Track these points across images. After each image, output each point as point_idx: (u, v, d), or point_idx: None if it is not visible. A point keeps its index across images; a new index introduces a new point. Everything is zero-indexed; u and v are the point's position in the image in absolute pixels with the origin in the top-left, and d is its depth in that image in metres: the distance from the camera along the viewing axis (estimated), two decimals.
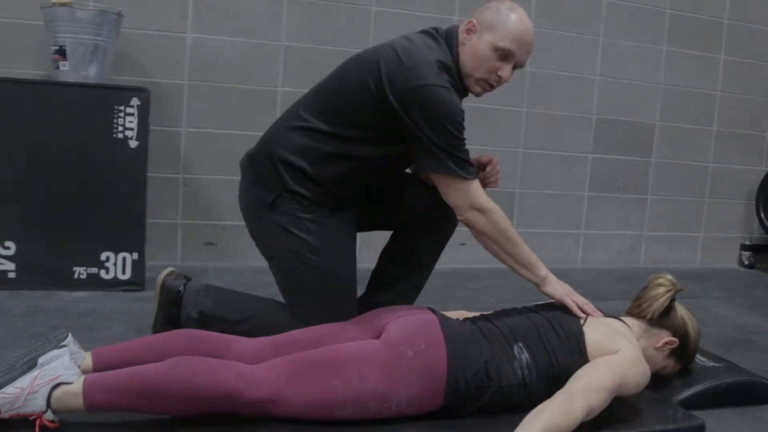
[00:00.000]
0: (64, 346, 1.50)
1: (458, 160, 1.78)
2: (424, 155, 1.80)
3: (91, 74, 2.57)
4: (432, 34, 1.88)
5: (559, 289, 1.80)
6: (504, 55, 1.83)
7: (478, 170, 2.02)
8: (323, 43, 3.11)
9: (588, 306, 1.76)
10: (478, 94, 1.92)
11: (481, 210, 1.80)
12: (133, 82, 2.74)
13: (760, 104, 3.95)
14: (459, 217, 1.86)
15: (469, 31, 1.85)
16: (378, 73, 1.77)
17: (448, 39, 1.87)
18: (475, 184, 1.81)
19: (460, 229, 2.04)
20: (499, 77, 1.85)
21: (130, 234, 2.58)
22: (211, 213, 3.07)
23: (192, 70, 2.98)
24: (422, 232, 2.06)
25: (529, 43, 1.85)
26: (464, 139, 1.80)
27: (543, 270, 1.83)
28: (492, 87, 1.89)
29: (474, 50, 1.84)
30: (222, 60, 3.00)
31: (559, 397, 1.51)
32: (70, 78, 2.55)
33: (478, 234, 1.85)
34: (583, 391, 1.52)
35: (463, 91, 1.91)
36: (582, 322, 1.71)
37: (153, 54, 2.92)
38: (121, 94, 2.53)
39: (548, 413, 1.45)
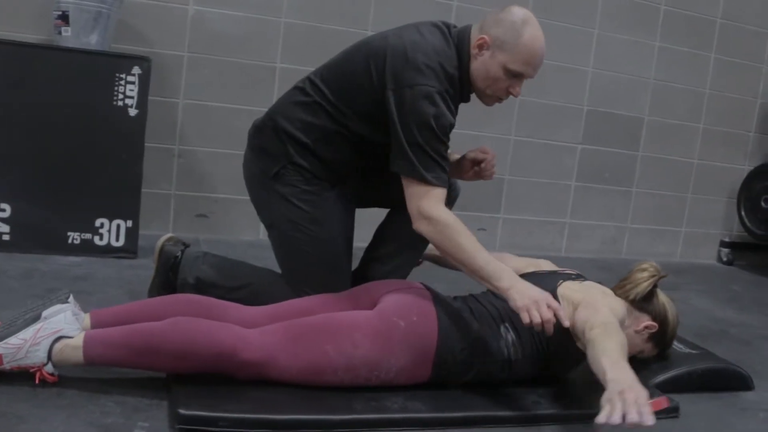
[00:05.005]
0: (67, 302, 1.54)
1: (433, 162, 1.76)
2: (398, 155, 1.79)
3: (92, 41, 2.56)
4: (444, 32, 1.86)
5: (518, 302, 1.62)
6: (516, 75, 1.85)
7: (473, 165, 2.06)
8: (323, 22, 3.13)
9: (548, 324, 1.59)
10: (489, 105, 1.95)
11: (428, 219, 1.73)
12: (133, 51, 2.73)
13: (748, 104, 4.01)
14: (413, 226, 1.79)
15: (480, 47, 1.83)
16: (383, 67, 1.80)
17: (459, 42, 1.86)
18: (435, 192, 1.75)
19: None
20: (510, 93, 1.89)
21: (126, 202, 2.60)
22: (204, 185, 3.10)
23: (192, 42, 2.98)
24: None
25: (541, 59, 1.86)
26: (447, 144, 1.80)
27: (504, 282, 1.65)
28: (502, 99, 1.92)
29: (486, 68, 1.84)
30: (222, 33, 3.01)
31: (596, 331, 1.54)
32: (72, 44, 2.54)
33: (432, 242, 1.80)
34: (604, 321, 1.59)
35: (465, 97, 1.93)
36: (557, 284, 1.77)
37: (154, 24, 2.92)
38: (122, 62, 2.53)
39: (606, 341, 1.50)
